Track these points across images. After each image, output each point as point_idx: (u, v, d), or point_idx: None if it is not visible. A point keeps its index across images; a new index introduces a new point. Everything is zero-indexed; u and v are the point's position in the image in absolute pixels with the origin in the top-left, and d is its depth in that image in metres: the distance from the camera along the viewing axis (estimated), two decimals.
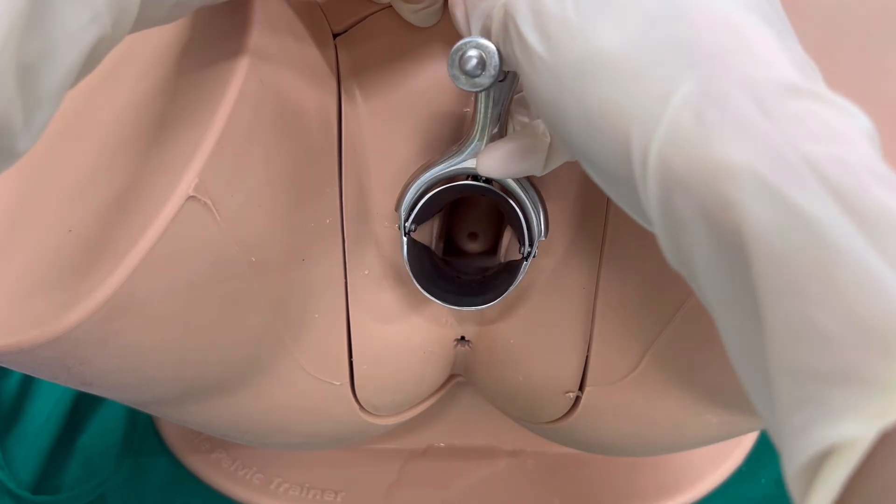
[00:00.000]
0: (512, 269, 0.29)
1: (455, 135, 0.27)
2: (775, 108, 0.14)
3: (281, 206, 0.25)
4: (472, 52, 0.20)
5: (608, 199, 0.28)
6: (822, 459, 0.12)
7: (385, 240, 0.29)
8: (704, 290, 0.15)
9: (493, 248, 0.34)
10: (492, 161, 0.23)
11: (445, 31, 0.26)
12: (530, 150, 0.22)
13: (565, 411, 0.35)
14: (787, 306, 0.13)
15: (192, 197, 0.21)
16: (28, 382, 0.53)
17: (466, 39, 0.20)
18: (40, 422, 0.51)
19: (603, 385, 0.32)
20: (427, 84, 0.26)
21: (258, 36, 0.23)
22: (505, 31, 0.19)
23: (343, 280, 0.30)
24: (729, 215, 0.13)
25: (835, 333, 0.12)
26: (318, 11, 0.27)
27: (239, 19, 0.23)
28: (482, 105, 0.23)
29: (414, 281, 0.28)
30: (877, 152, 0.14)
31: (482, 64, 0.20)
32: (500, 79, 0.21)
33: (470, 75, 0.21)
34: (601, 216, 0.28)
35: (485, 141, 0.24)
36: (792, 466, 0.13)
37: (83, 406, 0.53)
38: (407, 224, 0.26)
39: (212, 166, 0.21)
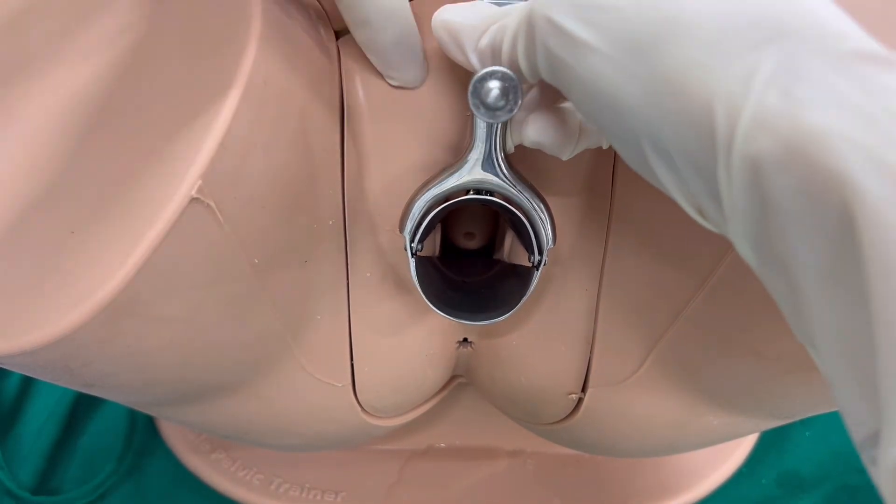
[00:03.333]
0: (519, 273, 0.28)
1: (459, 136, 0.27)
2: (866, 81, 0.14)
3: (283, 208, 0.25)
4: (494, 84, 0.20)
5: (611, 202, 0.28)
6: None
7: (387, 242, 0.29)
8: (799, 275, 0.14)
9: (490, 244, 0.34)
10: (540, 127, 0.22)
11: None
12: (567, 122, 0.22)
13: (567, 413, 0.35)
14: None
15: (195, 198, 0.21)
16: (28, 383, 0.53)
17: (489, 69, 0.20)
18: (40, 422, 0.51)
19: (605, 387, 0.32)
20: (429, 85, 0.26)
21: (261, 36, 0.23)
22: (531, 42, 0.18)
23: (345, 282, 0.30)
24: (834, 190, 0.13)
25: None
26: (320, 11, 0.27)
27: (241, 20, 0.23)
28: (480, 120, 0.23)
29: (427, 301, 0.27)
30: None
31: (505, 95, 0.20)
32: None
33: (491, 108, 0.20)
34: (604, 218, 0.28)
35: (484, 155, 0.23)
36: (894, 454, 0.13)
37: (83, 406, 0.53)
38: (413, 245, 0.26)
39: (214, 168, 0.21)
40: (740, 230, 0.15)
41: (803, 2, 0.15)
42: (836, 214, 0.13)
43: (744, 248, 0.16)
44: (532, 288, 0.27)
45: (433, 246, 0.31)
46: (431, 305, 0.27)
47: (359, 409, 0.34)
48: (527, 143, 0.23)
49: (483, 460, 0.51)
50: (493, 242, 0.34)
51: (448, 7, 0.21)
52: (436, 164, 0.28)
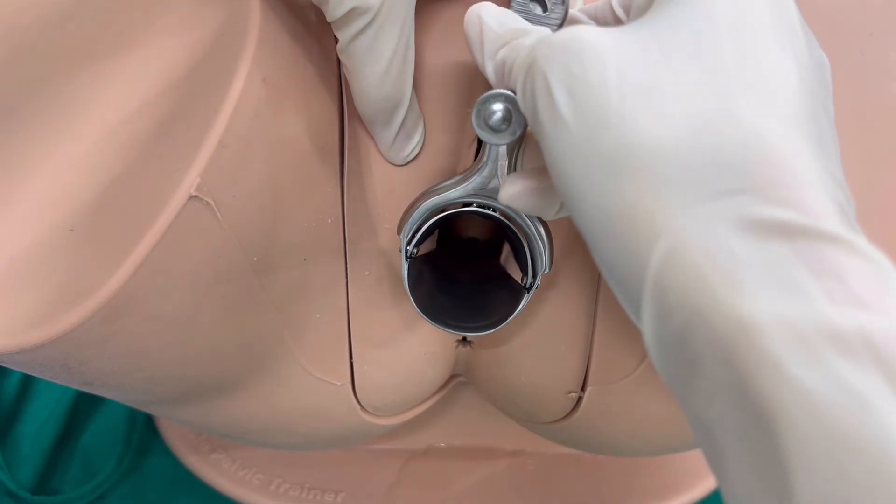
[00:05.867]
0: (511, 287, 0.28)
1: (457, 137, 0.27)
2: (817, 263, 0.13)
3: (282, 206, 0.25)
4: (498, 106, 0.20)
5: None
6: None
7: (386, 241, 0.29)
8: (721, 441, 0.14)
9: (488, 240, 0.34)
10: (514, 193, 0.21)
11: (448, 34, 0.26)
12: (549, 192, 0.21)
13: (567, 412, 0.35)
14: (826, 488, 0.11)
15: (194, 196, 0.21)
16: (28, 382, 0.53)
17: (494, 91, 0.20)
18: (40, 422, 0.51)
19: (605, 385, 0.32)
20: (429, 85, 0.26)
21: (261, 34, 0.23)
22: (525, 80, 0.18)
23: (344, 280, 0.30)
24: (761, 373, 0.12)
25: None
26: (320, 12, 0.27)
27: (241, 19, 0.23)
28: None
29: (417, 309, 0.27)
30: None
31: (507, 119, 0.20)
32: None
33: (493, 130, 0.20)
34: None
35: (492, 173, 0.23)
36: None
37: (83, 406, 0.53)
38: (409, 247, 0.26)
39: (213, 166, 0.21)
40: (664, 369, 0.15)
41: (781, 157, 0.14)
42: (757, 399, 0.12)
43: (667, 383, 0.15)
44: (520, 310, 0.27)
45: (430, 242, 0.31)
46: (421, 313, 0.27)
47: (358, 407, 0.34)
48: (502, 203, 0.22)
49: (483, 460, 0.51)
50: (491, 238, 0.34)
51: (488, 4, 0.21)
52: (435, 164, 0.28)
